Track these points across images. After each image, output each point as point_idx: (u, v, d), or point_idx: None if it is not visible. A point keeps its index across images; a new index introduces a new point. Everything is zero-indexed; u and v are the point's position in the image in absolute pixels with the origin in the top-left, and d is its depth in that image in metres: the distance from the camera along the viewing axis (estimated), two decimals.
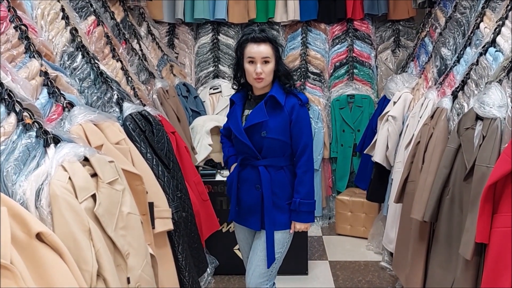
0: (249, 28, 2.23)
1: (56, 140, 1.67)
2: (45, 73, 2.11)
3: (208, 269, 3.20)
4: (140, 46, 3.97)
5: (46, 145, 1.64)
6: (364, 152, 3.93)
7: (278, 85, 2.25)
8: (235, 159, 2.45)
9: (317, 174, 4.47)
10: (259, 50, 2.15)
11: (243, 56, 2.21)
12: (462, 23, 3.43)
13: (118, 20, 3.80)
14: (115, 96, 2.57)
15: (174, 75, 4.47)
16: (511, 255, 1.92)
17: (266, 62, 2.17)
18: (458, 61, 3.05)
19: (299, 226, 2.30)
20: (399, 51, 4.99)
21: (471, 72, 2.67)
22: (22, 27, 2.17)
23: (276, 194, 2.29)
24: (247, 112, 2.30)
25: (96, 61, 2.69)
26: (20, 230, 1.31)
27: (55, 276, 1.32)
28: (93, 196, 1.60)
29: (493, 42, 2.66)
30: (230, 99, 2.38)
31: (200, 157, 4.03)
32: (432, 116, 2.73)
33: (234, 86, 2.39)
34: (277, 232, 2.30)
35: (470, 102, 2.53)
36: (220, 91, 4.80)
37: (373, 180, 3.80)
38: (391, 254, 3.39)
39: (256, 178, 2.28)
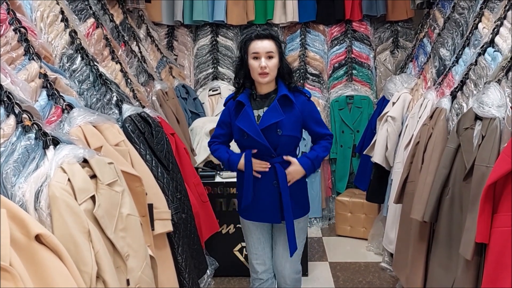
0: (252, 28, 2.28)
1: (56, 142, 1.67)
2: (45, 75, 2.11)
3: (208, 271, 3.19)
4: (139, 48, 3.98)
5: (45, 147, 1.64)
6: (364, 153, 3.93)
7: (283, 84, 2.32)
8: (239, 154, 2.40)
9: (316, 175, 4.47)
10: (263, 45, 2.23)
11: (247, 54, 2.27)
12: (460, 24, 3.43)
13: (117, 22, 3.80)
14: (115, 98, 2.57)
15: (173, 77, 4.47)
16: (511, 255, 1.91)
17: (270, 57, 2.24)
18: (456, 61, 3.05)
19: (297, 168, 2.32)
20: (398, 52, 5.00)
21: (470, 72, 2.67)
22: (22, 29, 2.17)
23: (291, 187, 2.36)
24: (256, 112, 2.33)
25: (96, 63, 2.69)
26: (19, 232, 1.31)
27: (54, 277, 1.32)
28: (93, 198, 1.60)
29: (491, 42, 2.67)
30: (237, 100, 2.35)
31: (199, 158, 4.03)
32: (431, 117, 2.73)
33: (236, 85, 2.40)
34: (299, 221, 2.40)
35: (469, 102, 2.53)
36: (219, 93, 4.81)
37: (373, 181, 3.80)
38: (391, 254, 3.38)
39: (272, 175, 2.33)
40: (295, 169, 2.34)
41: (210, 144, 2.56)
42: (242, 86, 2.38)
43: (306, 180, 2.51)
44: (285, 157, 2.33)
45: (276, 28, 5.16)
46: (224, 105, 2.49)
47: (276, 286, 2.60)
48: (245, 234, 2.55)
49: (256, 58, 2.24)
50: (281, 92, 2.29)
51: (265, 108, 2.32)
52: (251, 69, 2.28)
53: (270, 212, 2.38)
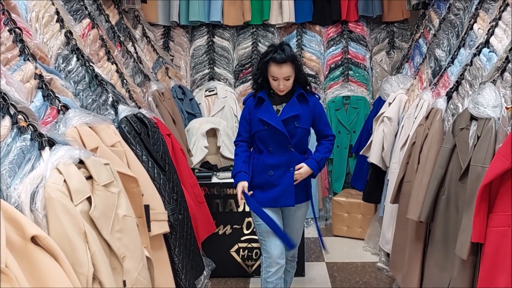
0: (271, 46, 2.57)
1: (51, 143, 1.66)
2: (40, 76, 2.10)
3: (204, 272, 3.18)
4: (135, 49, 3.97)
5: (41, 148, 1.64)
6: (360, 153, 3.93)
7: (299, 86, 2.62)
8: (245, 176, 2.62)
9: None
10: (280, 72, 2.50)
11: (267, 72, 2.55)
12: (456, 24, 3.44)
13: (113, 23, 3.79)
14: (110, 99, 2.57)
15: (170, 77, 4.46)
16: (507, 255, 1.92)
17: (287, 79, 2.53)
18: (452, 62, 3.06)
19: (307, 169, 2.59)
20: (394, 52, 5.01)
21: (465, 73, 2.68)
22: (17, 30, 2.16)
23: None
24: (275, 107, 2.61)
25: (91, 64, 2.69)
26: (15, 233, 1.31)
27: (50, 279, 1.32)
28: (89, 199, 1.60)
29: (486, 43, 2.68)
30: (258, 96, 2.62)
31: (196, 159, 4.03)
32: (427, 117, 2.74)
33: (254, 86, 2.68)
34: (307, 204, 2.76)
35: (464, 102, 2.54)
36: (216, 93, 4.80)
37: (369, 181, 3.81)
38: (388, 254, 3.39)
39: (289, 162, 2.59)
40: (305, 170, 2.61)
41: (234, 143, 2.81)
42: (259, 87, 2.65)
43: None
44: (296, 167, 2.60)
45: (272, 29, 5.17)
46: (243, 103, 2.76)
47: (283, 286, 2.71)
48: (261, 221, 2.62)
49: (275, 79, 2.53)
50: (298, 91, 2.60)
51: (284, 104, 2.61)
52: (271, 84, 2.57)
53: (286, 196, 2.60)
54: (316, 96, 2.70)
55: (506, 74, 2.29)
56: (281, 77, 2.50)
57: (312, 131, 2.75)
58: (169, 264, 2.33)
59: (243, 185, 2.59)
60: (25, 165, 1.57)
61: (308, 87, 2.65)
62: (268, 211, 2.61)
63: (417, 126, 2.86)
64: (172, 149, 2.83)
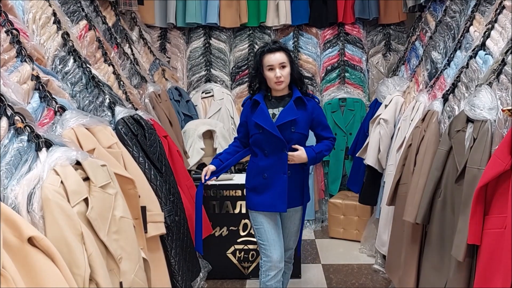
0: (264, 42, 2.59)
1: (48, 144, 1.66)
2: (37, 77, 2.10)
3: (201, 273, 3.18)
4: (132, 51, 3.97)
5: (38, 149, 1.63)
6: (356, 155, 3.94)
7: (297, 89, 2.61)
8: (217, 162, 2.72)
9: (309, 177, 4.47)
10: (276, 58, 2.51)
11: (262, 66, 2.56)
12: (452, 27, 3.46)
13: (110, 24, 3.79)
14: (107, 100, 2.56)
15: (166, 79, 4.46)
16: (503, 256, 1.93)
17: (283, 67, 2.53)
18: (448, 64, 3.08)
19: (302, 155, 2.55)
20: (390, 54, 5.03)
21: (462, 75, 2.69)
22: (14, 31, 2.16)
23: (297, 177, 2.64)
24: (271, 111, 2.59)
25: (88, 65, 2.69)
26: (12, 234, 1.30)
27: (47, 280, 1.31)
28: (86, 200, 1.59)
29: (482, 45, 2.69)
30: (254, 99, 2.62)
31: (192, 161, 4.03)
32: (423, 119, 2.75)
33: (251, 91, 2.69)
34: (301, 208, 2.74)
35: (460, 104, 2.55)
36: (212, 95, 4.81)
37: (366, 183, 3.82)
38: (384, 256, 3.40)
39: (284, 165, 2.56)
40: (299, 154, 2.56)
41: (234, 138, 2.88)
42: (257, 90, 2.65)
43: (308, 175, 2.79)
44: (293, 146, 2.57)
45: (269, 31, 5.18)
46: (242, 105, 2.77)
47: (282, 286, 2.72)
48: (260, 225, 2.62)
49: (271, 69, 2.53)
50: (296, 94, 2.58)
51: (280, 108, 2.59)
52: (267, 79, 2.56)
53: (279, 200, 2.57)
54: (316, 100, 2.70)
55: (502, 76, 2.30)
56: (277, 63, 2.50)
57: (311, 133, 2.73)
58: (165, 266, 2.33)
59: (208, 168, 2.68)
60: (22, 166, 1.57)
61: (303, 85, 2.63)
62: (265, 215, 2.60)
63: (413, 128, 2.87)
64: (168, 151, 2.83)
